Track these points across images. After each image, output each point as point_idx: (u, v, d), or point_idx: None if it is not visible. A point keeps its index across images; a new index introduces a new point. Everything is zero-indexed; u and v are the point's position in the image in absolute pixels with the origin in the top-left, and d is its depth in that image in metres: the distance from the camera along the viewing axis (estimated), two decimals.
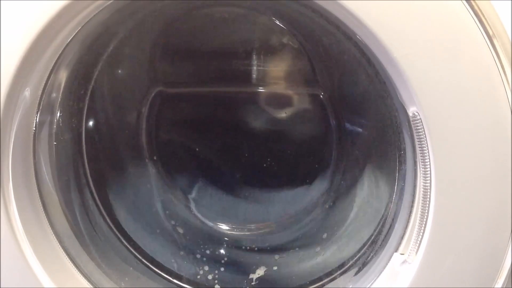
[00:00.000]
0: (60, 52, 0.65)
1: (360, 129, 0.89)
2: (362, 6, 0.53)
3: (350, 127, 0.91)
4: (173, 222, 0.95)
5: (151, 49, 0.93)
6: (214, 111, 0.99)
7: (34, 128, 0.69)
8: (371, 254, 0.74)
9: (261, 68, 0.94)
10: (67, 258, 0.73)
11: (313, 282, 0.84)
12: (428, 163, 0.57)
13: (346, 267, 0.80)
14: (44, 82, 0.67)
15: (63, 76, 0.73)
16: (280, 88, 0.97)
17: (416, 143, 0.59)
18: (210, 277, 0.88)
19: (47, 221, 0.72)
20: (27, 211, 0.68)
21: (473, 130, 0.55)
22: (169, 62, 0.96)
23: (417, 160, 0.61)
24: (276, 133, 0.98)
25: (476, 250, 0.59)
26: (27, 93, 0.64)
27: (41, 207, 0.71)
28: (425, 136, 0.56)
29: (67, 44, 0.64)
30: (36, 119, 0.69)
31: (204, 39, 0.93)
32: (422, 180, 0.60)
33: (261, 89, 0.96)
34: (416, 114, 0.56)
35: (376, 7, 0.53)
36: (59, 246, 0.73)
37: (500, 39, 0.55)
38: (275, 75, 0.96)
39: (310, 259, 0.88)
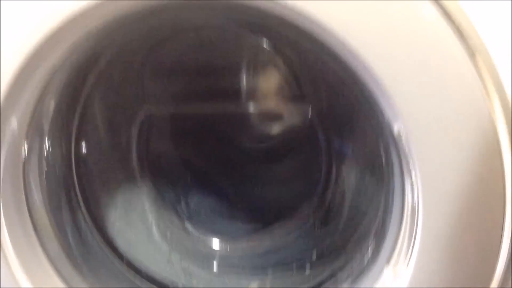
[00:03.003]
0: (48, 78, 0.65)
1: (349, 147, 0.90)
2: (342, 27, 0.54)
3: (339, 143, 0.91)
4: (167, 239, 0.95)
5: (139, 70, 0.94)
6: (203, 129, 0.99)
7: (24, 154, 0.69)
8: (362, 267, 0.75)
9: (250, 86, 0.95)
10: (59, 279, 0.73)
11: None
12: (415, 178, 0.58)
13: (338, 277, 0.81)
14: (32, 108, 0.67)
15: (51, 101, 0.73)
16: (269, 105, 0.97)
17: (402, 159, 0.60)
18: None
19: (38, 244, 0.72)
20: (18, 235, 0.68)
21: (458, 144, 0.55)
22: (157, 82, 0.96)
23: (404, 176, 0.61)
24: (266, 149, 0.99)
25: (467, 263, 0.59)
26: (14, 120, 0.64)
27: (32, 229, 0.71)
28: (411, 152, 0.57)
29: (55, 71, 0.65)
30: (24, 146, 0.69)
31: (191, 59, 0.94)
32: (409, 196, 0.61)
33: (251, 107, 0.96)
34: (401, 130, 0.57)
35: (357, 28, 0.53)
36: (51, 267, 0.73)
37: (481, 56, 0.55)
38: (263, 93, 0.96)
39: (302, 273, 0.88)
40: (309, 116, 0.94)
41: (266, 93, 0.97)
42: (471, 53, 0.55)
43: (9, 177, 0.67)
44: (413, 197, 0.60)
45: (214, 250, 0.98)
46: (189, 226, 0.99)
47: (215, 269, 0.94)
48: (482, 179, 0.56)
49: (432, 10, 0.53)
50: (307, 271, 0.88)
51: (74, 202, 0.84)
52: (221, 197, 1.01)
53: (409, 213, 0.62)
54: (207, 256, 0.96)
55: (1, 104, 0.60)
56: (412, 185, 0.59)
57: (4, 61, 0.58)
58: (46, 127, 0.75)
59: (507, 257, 0.58)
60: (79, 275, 0.77)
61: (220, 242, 0.99)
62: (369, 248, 0.76)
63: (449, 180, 0.57)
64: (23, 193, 0.70)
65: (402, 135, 0.57)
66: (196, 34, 0.89)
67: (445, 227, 0.58)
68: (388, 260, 0.66)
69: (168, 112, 0.99)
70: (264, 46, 0.91)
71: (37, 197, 0.73)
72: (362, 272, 0.74)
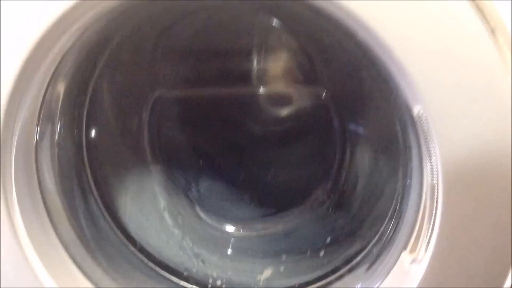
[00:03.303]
0: (57, 62, 0.64)
1: (364, 129, 0.89)
2: (362, 6, 0.52)
3: (354, 126, 0.91)
4: (179, 225, 0.95)
5: (149, 53, 0.93)
6: (215, 112, 0.98)
7: (36, 139, 0.69)
8: (379, 253, 0.74)
9: (262, 68, 0.94)
10: (73, 264, 0.73)
11: (319, 279, 0.83)
12: (435, 160, 0.57)
13: (353, 263, 0.80)
14: (43, 93, 0.67)
15: (61, 85, 0.73)
16: (282, 87, 0.96)
17: (422, 141, 0.59)
18: (218, 282, 0.88)
19: (52, 228, 0.72)
20: (31, 219, 0.68)
21: (479, 126, 0.54)
22: (168, 65, 0.95)
23: (423, 158, 0.60)
24: (279, 132, 0.98)
25: (486, 246, 0.58)
26: (26, 104, 0.64)
27: (46, 215, 0.71)
28: (431, 134, 0.56)
29: (65, 54, 0.64)
30: (37, 130, 0.69)
31: (203, 41, 0.93)
32: (429, 178, 0.60)
33: (263, 89, 0.95)
34: (421, 112, 0.56)
35: (376, 7, 0.52)
36: (65, 252, 0.73)
37: (501, 33, 0.54)
38: (276, 75, 0.95)
39: (317, 258, 0.88)
40: (323, 98, 0.93)
41: (279, 75, 0.96)
42: (491, 30, 0.53)
43: (21, 162, 0.66)
44: (432, 179, 0.59)
45: (227, 235, 0.98)
46: (201, 211, 0.99)
47: (228, 254, 0.94)
48: (503, 161, 0.55)
49: None
50: (322, 256, 0.88)
51: (86, 186, 0.84)
52: (234, 181, 1.01)
53: (428, 196, 0.61)
54: (220, 241, 0.96)
55: (12, 89, 0.59)
56: (432, 167, 0.58)
57: (14, 45, 0.57)
58: (57, 111, 0.74)
59: None
60: (92, 259, 0.77)
61: (234, 227, 0.99)
62: (386, 232, 0.75)
63: (470, 162, 0.55)
64: (35, 178, 0.70)
65: (422, 117, 0.56)
66: (208, 15, 0.88)
67: (465, 210, 0.57)
68: (405, 245, 0.66)
69: (179, 95, 0.99)
70: (277, 27, 0.89)
71: (50, 182, 0.73)
72: (378, 257, 0.74)
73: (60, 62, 0.65)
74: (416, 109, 0.56)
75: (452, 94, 0.54)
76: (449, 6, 0.52)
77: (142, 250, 0.87)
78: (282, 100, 0.96)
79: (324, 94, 0.93)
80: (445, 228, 0.58)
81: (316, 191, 0.97)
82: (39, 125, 0.69)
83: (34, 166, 0.69)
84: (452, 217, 0.58)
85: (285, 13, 0.85)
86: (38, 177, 0.70)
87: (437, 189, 0.58)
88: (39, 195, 0.71)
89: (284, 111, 0.96)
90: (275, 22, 0.89)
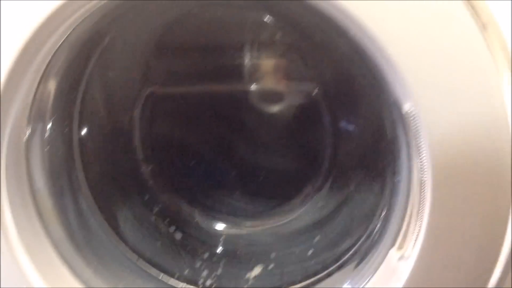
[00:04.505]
0: (49, 59, 0.64)
1: (354, 125, 0.89)
2: (354, 3, 0.53)
3: (345, 123, 0.91)
4: (169, 224, 0.95)
5: (141, 50, 0.93)
6: (206, 109, 0.98)
7: (26, 137, 0.69)
8: (367, 250, 0.75)
9: (254, 65, 0.94)
10: (63, 263, 0.73)
11: (308, 277, 0.84)
12: (424, 157, 0.57)
13: (342, 261, 0.81)
14: (34, 90, 0.66)
15: (53, 83, 0.72)
16: (274, 84, 0.96)
17: (411, 138, 0.59)
18: (208, 281, 0.88)
19: (41, 227, 0.71)
20: (21, 218, 0.68)
21: (469, 123, 0.55)
22: (159, 62, 0.95)
23: (412, 154, 0.61)
24: (270, 129, 0.98)
25: (474, 244, 0.59)
26: (16, 102, 0.63)
27: (35, 213, 0.71)
28: (421, 131, 0.56)
29: (56, 51, 0.64)
30: (27, 128, 0.69)
31: (195, 38, 0.92)
32: (417, 175, 0.60)
33: (255, 86, 0.95)
34: (411, 109, 0.56)
35: (367, 4, 0.52)
36: (55, 251, 0.72)
37: (492, 30, 0.54)
38: (268, 72, 0.95)
39: (306, 256, 0.88)
40: (314, 95, 0.93)
41: (270, 72, 0.96)
42: (482, 27, 0.54)
43: (12, 160, 0.66)
44: (421, 176, 0.59)
45: (217, 233, 0.98)
46: (191, 209, 0.99)
47: (218, 253, 0.94)
48: (492, 158, 0.56)
49: None
50: (311, 254, 0.88)
51: (76, 185, 0.83)
52: (224, 179, 1.01)
53: (416, 193, 0.62)
54: (210, 239, 0.96)
55: (2, 86, 0.59)
56: (421, 163, 0.58)
57: (4, 42, 0.57)
58: (48, 109, 0.74)
59: None
60: (82, 258, 0.77)
61: (224, 225, 0.99)
62: (375, 229, 0.75)
63: (458, 159, 0.56)
64: (26, 176, 0.70)
65: (411, 114, 0.56)
66: (199, 12, 0.88)
67: (453, 207, 0.58)
68: (393, 242, 0.66)
69: (170, 92, 0.98)
70: (268, 23, 0.90)
71: (40, 180, 0.73)
72: (367, 254, 0.74)
73: (51, 60, 0.65)
74: (406, 106, 0.57)
75: (442, 91, 0.54)
76: (440, 2, 0.53)
77: (133, 249, 0.87)
78: (273, 97, 0.96)
79: (315, 91, 0.93)
80: (433, 225, 0.59)
81: (306, 188, 0.97)
82: (30, 123, 0.69)
83: (24, 164, 0.69)
84: (440, 214, 0.58)
85: (277, 10, 0.85)
86: (28, 176, 0.70)
87: (426, 185, 0.58)
88: (29, 194, 0.70)
89: (276, 108, 0.96)
90: (267, 19, 0.89)
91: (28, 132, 0.69)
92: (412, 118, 0.56)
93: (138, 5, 0.72)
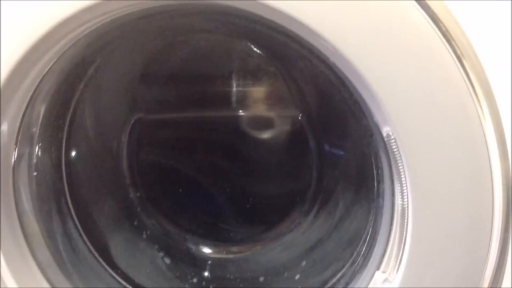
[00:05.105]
0: (36, 84, 0.65)
1: (338, 150, 0.90)
2: (331, 30, 0.54)
3: (329, 148, 0.92)
4: (158, 250, 0.95)
5: (128, 77, 0.94)
6: (193, 136, 0.99)
7: (13, 161, 0.69)
8: (353, 273, 0.75)
9: (239, 92, 0.95)
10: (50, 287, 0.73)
11: None
12: (404, 181, 0.58)
13: (329, 285, 0.80)
14: (22, 114, 0.67)
15: (41, 107, 0.73)
16: (259, 111, 0.97)
17: (392, 162, 0.60)
18: None
19: (28, 251, 0.72)
20: (8, 242, 0.68)
21: (446, 147, 0.56)
22: (147, 89, 0.96)
23: (394, 178, 0.62)
24: (257, 155, 0.99)
25: (456, 268, 0.59)
26: (4, 127, 0.64)
27: (22, 237, 0.71)
28: (400, 155, 0.57)
29: (43, 76, 0.65)
30: (14, 152, 0.69)
31: (181, 66, 0.94)
32: (399, 198, 0.61)
33: (240, 113, 0.96)
34: (390, 134, 0.57)
35: (346, 32, 0.54)
36: (41, 275, 0.73)
37: (468, 59, 0.56)
38: (253, 99, 0.97)
39: (293, 280, 0.88)
40: (299, 120, 0.94)
41: (256, 99, 0.97)
42: (459, 57, 0.55)
43: None
44: (402, 200, 0.60)
45: (204, 257, 0.97)
46: (179, 234, 0.99)
47: (206, 276, 0.94)
48: (471, 181, 0.57)
49: (420, 14, 0.54)
50: (298, 279, 0.88)
51: (64, 209, 0.83)
52: (212, 204, 1.01)
53: (399, 216, 0.62)
54: (200, 265, 0.96)
55: None
56: (401, 187, 0.59)
57: None
58: (36, 133, 0.74)
59: (496, 257, 0.59)
60: (69, 282, 0.77)
61: (210, 250, 0.99)
62: (360, 253, 0.76)
63: (438, 182, 0.57)
64: (13, 199, 0.70)
65: (391, 139, 0.57)
66: (186, 40, 0.90)
67: (434, 230, 0.58)
68: (378, 265, 0.67)
69: (158, 119, 0.99)
70: (253, 52, 0.91)
71: (27, 203, 0.73)
72: (353, 277, 0.74)
73: (38, 85, 0.66)
74: (385, 131, 0.58)
75: (420, 117, 0.55)
76: (418, 32, 0.54)
77: (121, 273, 0.86)
78: (259, 123, 0.97)
79: (300, 116, 0.94)
80: (415, 249, 0.59)
81: (293, 213, 0.97)
82: (17, 147, 0.69)
83: (11, 187, 0.69)
84: (422, 238, 0.59)
85: (260, 39, 0.86)
86: (15, 199, 0.70)
87: (407, 209, 0.59)
88: (16, 217, 0.70)
89: (262, 134, 0.97)
90: (251, 48, 0.91)
91: (16, 155, 0.69)
92: (391, 142, 0.57)
93: (125, 33, 0.74)
